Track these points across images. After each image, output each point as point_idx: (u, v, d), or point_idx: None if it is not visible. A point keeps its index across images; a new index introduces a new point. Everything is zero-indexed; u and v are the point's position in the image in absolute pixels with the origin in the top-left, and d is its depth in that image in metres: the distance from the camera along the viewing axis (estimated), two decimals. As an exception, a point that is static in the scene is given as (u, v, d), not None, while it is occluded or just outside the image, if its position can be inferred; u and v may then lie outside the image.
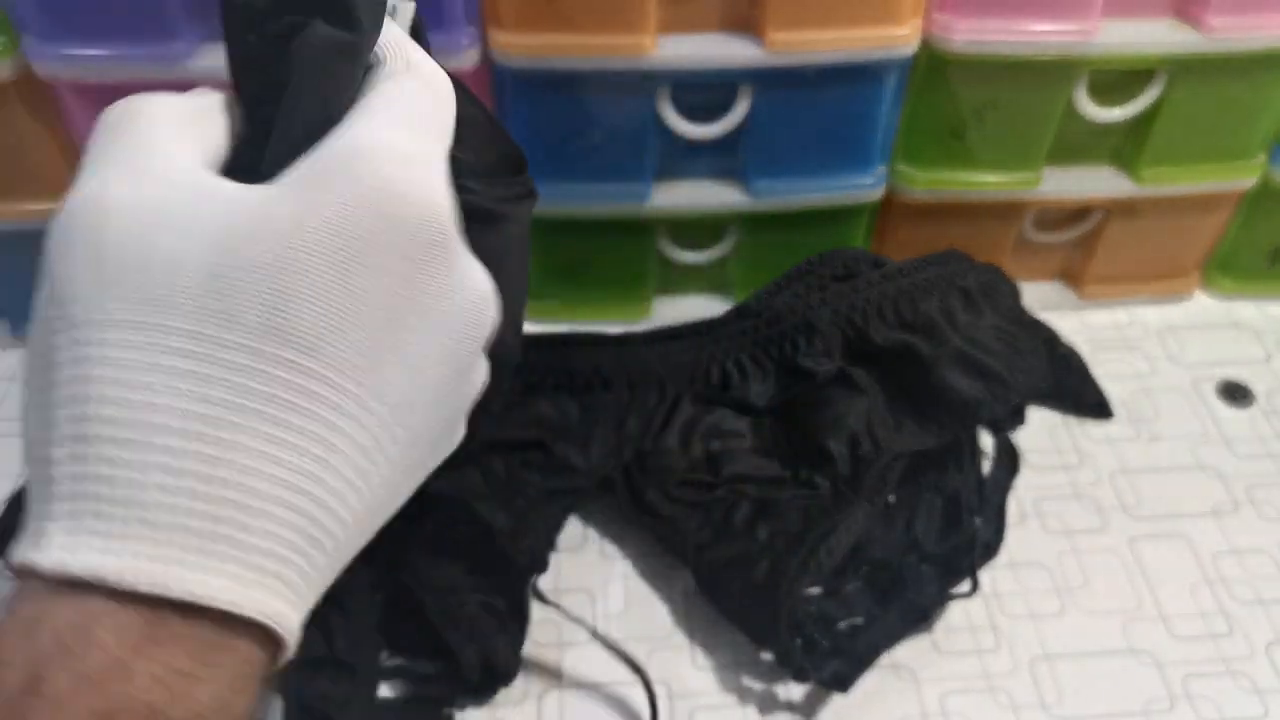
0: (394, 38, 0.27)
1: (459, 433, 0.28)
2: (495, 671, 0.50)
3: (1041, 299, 0.71)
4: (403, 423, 0.23)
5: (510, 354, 0.31)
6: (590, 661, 0.52)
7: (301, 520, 0.22)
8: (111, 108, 0.25)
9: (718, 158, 0.64)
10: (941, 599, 0.54)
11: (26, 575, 0.22)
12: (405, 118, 0.24)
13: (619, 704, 0.51)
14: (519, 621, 0.51)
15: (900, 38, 0.57)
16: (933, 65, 0.60)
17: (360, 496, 0.23)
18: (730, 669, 0.53)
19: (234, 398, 0.20)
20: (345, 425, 0.22)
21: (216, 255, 0.20)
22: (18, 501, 0.55)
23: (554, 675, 0.52)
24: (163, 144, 0.23)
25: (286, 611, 0.23)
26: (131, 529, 0.21)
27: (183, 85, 0.32)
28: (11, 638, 0.22)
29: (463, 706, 0.50)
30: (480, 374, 0.28)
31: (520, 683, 0.50)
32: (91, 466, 0.21)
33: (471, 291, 0.25)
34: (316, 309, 0.21)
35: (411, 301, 0.22)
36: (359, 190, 0.21)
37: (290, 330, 0.20)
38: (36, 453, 0.22)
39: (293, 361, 0.21)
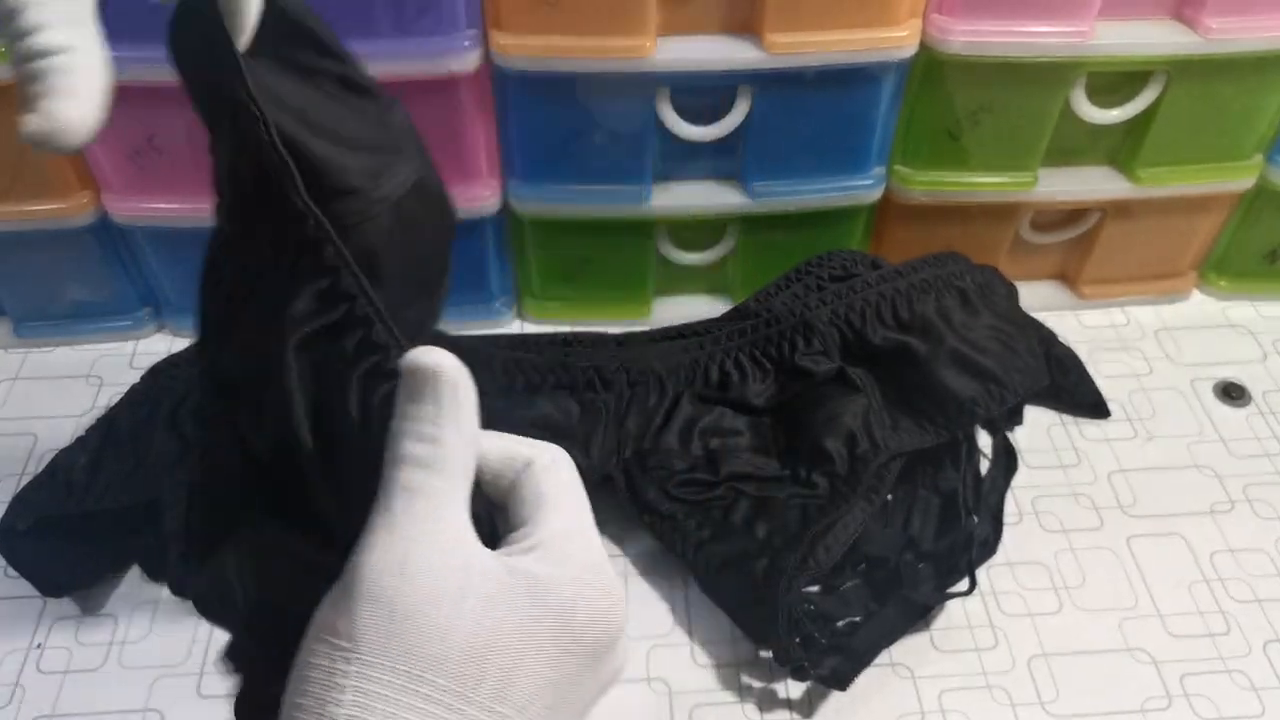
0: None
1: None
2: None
3: (1039, 299, 0.72)
4: None
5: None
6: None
7: None
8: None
9: (717, 159, 0.64)
10: (939, 597, 0.54)
11: None
12: (588, 521, 0.31)
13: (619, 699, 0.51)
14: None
15: (898, 40, 0.57)
16: (930, 67, 0.60)
17: None
18: (730, 666, 0.53)
19: None
20: None
21: (476, 631, 0.26)
22: (19, 502, 0.55)
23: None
24: (452, 519, 0.29)
25: None
26: None
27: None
28: None
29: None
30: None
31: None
32: None
33: (624, 654, 0.31)
34: (533, 681, 0.27)
35: (595, 674, 0.29)
36: (579, 603, 0.28)
37: (511, 696, 0.27)
38: None
39: (505, 716, 0.27)
